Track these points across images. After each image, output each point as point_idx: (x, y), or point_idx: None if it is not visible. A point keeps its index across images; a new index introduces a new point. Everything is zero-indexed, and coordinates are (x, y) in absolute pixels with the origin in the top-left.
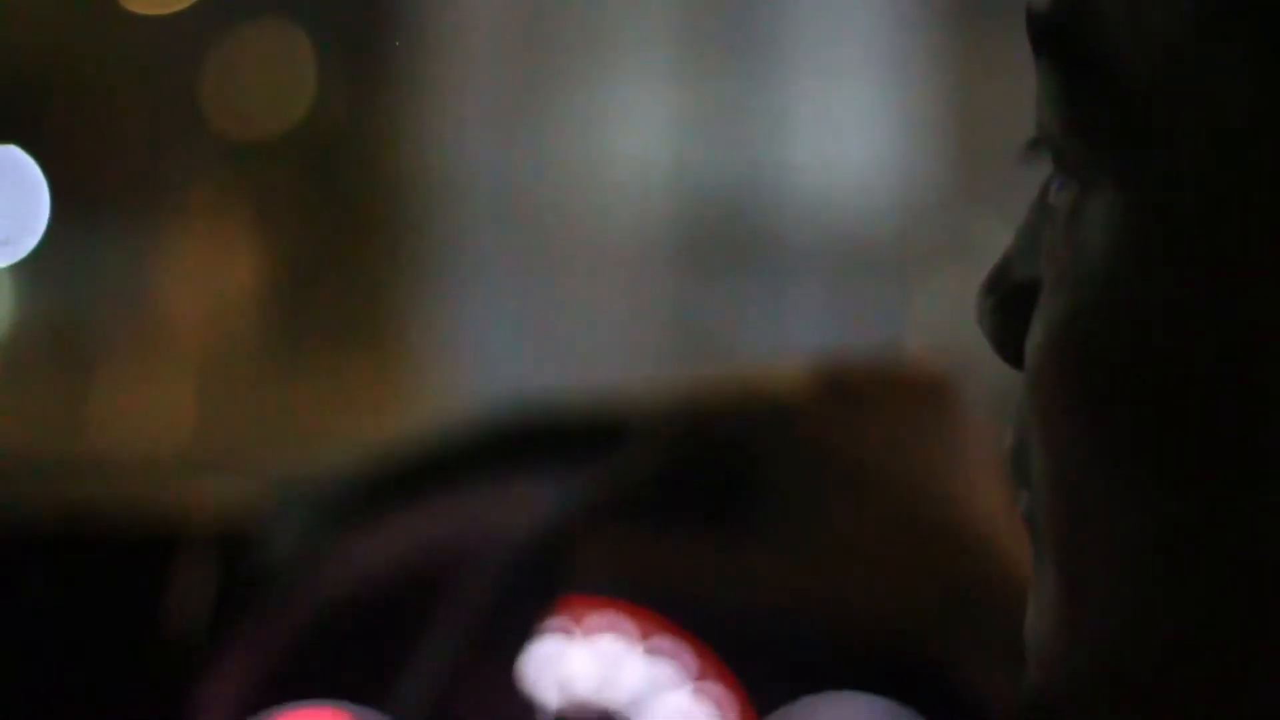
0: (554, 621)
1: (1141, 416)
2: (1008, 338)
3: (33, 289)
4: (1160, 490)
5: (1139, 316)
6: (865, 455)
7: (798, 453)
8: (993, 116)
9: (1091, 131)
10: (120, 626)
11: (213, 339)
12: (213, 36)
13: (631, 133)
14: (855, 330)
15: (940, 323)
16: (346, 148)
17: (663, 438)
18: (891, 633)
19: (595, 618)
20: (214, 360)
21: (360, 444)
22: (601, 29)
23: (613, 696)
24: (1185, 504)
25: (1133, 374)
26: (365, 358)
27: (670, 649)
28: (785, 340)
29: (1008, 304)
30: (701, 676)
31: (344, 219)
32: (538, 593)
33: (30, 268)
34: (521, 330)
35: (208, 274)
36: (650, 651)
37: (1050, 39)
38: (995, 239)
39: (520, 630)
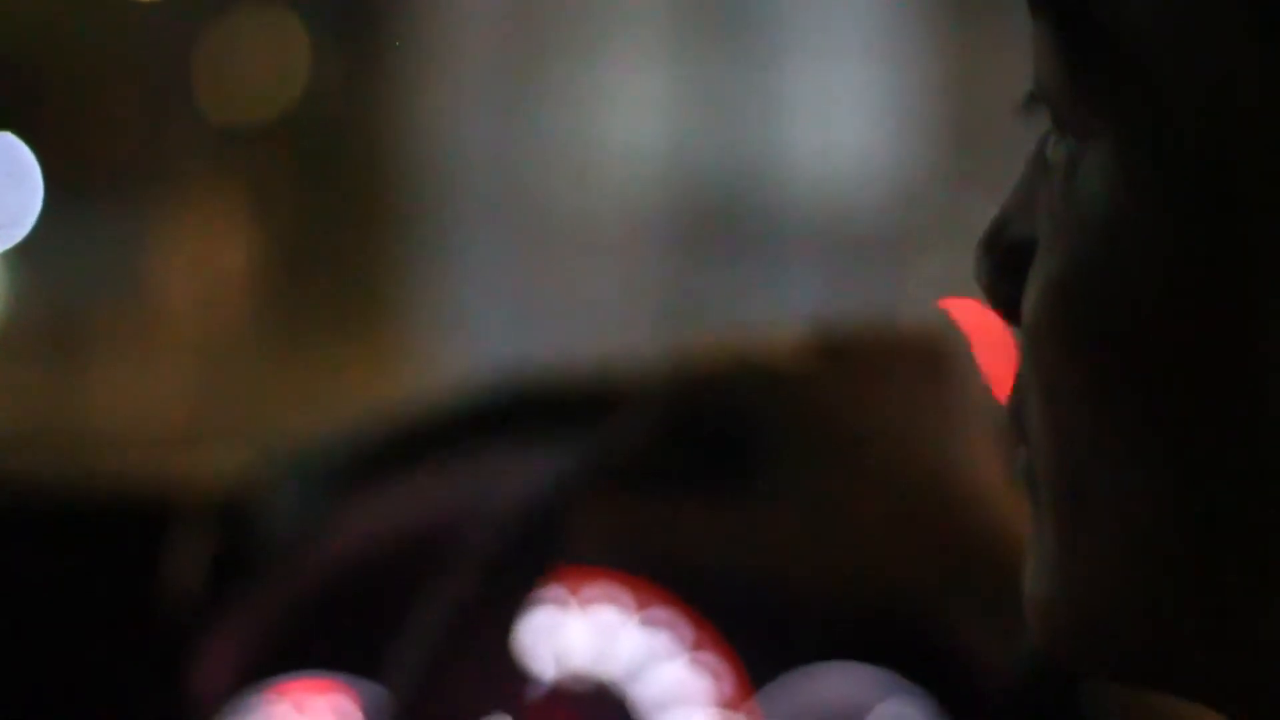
0: (549, 592)
1: (1139, 368)
2: (1005, 295)
3: (28, 274)
4: (1159, 442)
5: (1136, 268)
6: (861, 420)
7: (793, 418)
8: (986, 98)
9: (1088, 82)
10: (117, 598)
11: (208, 316)
12: (206, 21)
13: (627, 113)
14: (849, 311)
15: (934, 303)
16: (341, 130)
17: (657, 405)
18: (888, 598)
19: (591, 588)
20: (210, 336)
21: (356, 416)
22: (596, 9)
23: (608, 667)
24: (1183, 455)
25: (1130, 326)
26: (360, 339)
27: (666, 620)
28: (778, 321)
29: (1005, 261)
30: (697, 647)
31: (339, 200)
32: (533, 562)
33: (24, 252)
34: (515, 311)
35: (203, 254)
36: (646, 622)
37: None
38: (989, 220)
39: (515, 600)
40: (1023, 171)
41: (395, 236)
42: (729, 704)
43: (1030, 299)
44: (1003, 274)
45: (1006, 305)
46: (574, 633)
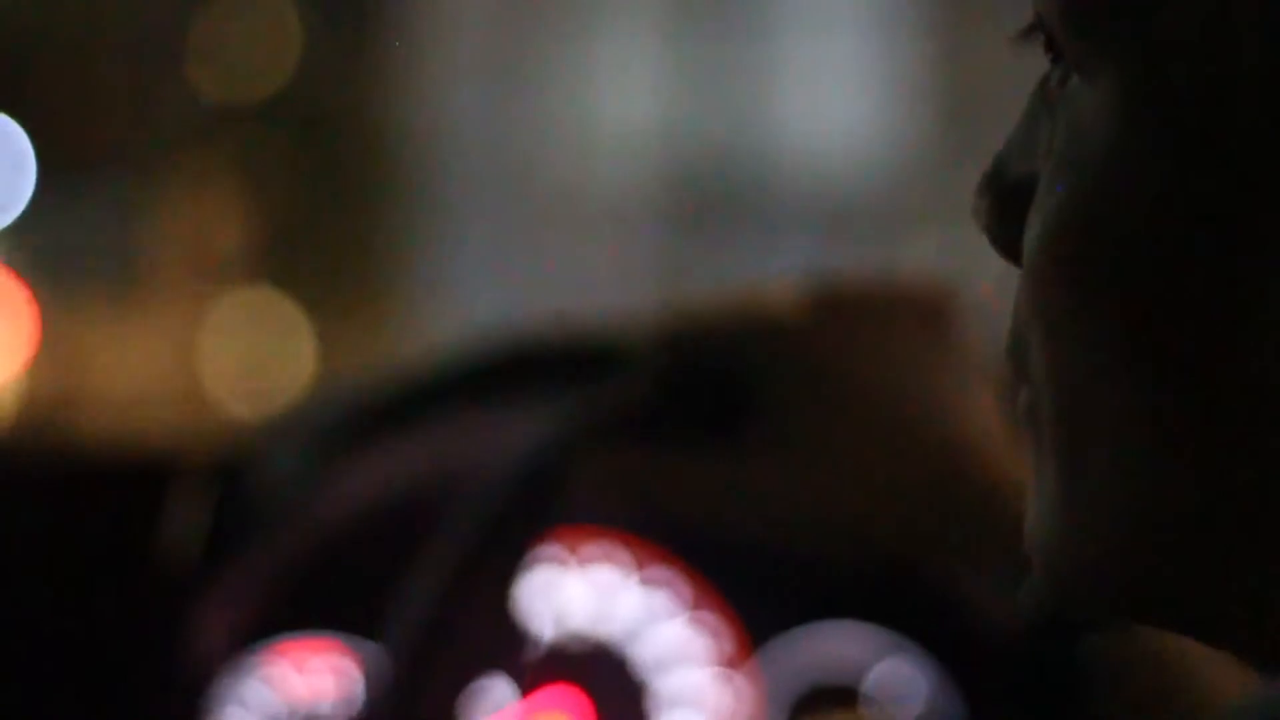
0: (548, 551)
1: (1140, 303)
2: (1006, 233)
3: (20, 251)
4: (1160, 378)
5: (1137, 201)
6: (860, 373)
7: (793, 371)
8: (981, 73)
9: (1084, 10)
10: (115, 559)
11: (203, 281)
12: None
13: (621, 88)
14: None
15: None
16: (334, 107)
17: (656, 360)
18: (888, 549)
19: (590, 547)
20: (206, 301)
21: (352, 376)
22: None
23: (607, 627)
24: (1185, 390)
25: (1131, 260)
26: (355, 313)
27: (665, 579)
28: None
29: (1005, 200)
30: (697, 607)
31: (332, 176)
32: (531, 521)
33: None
34: (510, 283)
35: (197, 227)
36: (645, 582)
37: None
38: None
39: (514, 560)
40: (1023, 111)
41: (389, 211)
42: (728, 663)
43: (1031, 235)
44: (1004, 212)
45: (1008, 244)
46: (573, 592)
